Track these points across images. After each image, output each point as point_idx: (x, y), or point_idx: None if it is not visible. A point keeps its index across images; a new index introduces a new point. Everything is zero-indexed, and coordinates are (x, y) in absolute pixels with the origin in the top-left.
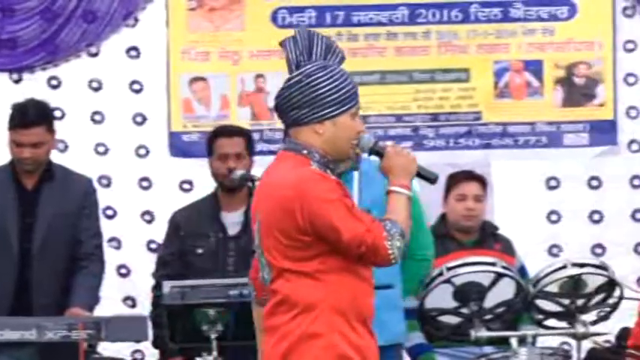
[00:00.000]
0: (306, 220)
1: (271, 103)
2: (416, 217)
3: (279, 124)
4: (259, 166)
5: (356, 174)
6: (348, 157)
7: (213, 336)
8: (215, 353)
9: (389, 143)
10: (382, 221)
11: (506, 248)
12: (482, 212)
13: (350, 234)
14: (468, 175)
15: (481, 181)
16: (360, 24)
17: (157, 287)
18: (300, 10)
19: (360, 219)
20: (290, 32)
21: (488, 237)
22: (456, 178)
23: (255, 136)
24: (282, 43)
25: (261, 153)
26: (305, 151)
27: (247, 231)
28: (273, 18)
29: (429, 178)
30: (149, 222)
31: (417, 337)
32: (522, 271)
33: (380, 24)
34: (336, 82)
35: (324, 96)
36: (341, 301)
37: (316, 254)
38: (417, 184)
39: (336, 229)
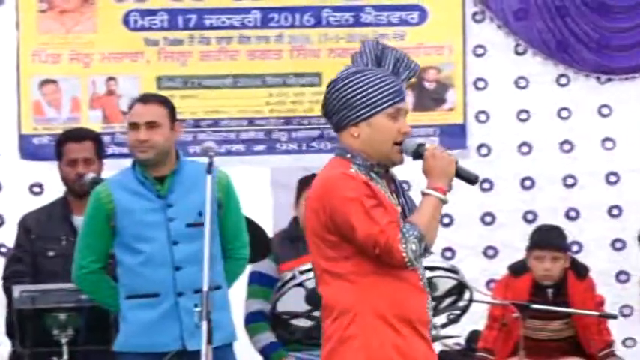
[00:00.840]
0: (328, 218)
1: (123, 106)
2: (236, 218)
3: None
4: (110, 170)
5: (209, 178)
6: (390, 159)
7: (63, 340)
8: (66, 357)
9: (429, 146)
10: (404, 223)
11: None
12: None
13: (364, 233)
14: (312, 179)
15: None
16: (212, 27)
17: (7, 287)
18: (152, 13)
19: (376, 220)
20: (141, 35)
21: None
22: (306, 182)
23: (107, 139)
24: (352, 56)
25: (113, 156)
26: (349, 155)
27: None
28: (125, 21)
29: (469, 179)
30: None
31: (266, 338)
32: None
33: (232, 27)
34: (370, 84)
35: (356, 98)
36: (379, 304)
37: (348, 255)
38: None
39: (352, 228)
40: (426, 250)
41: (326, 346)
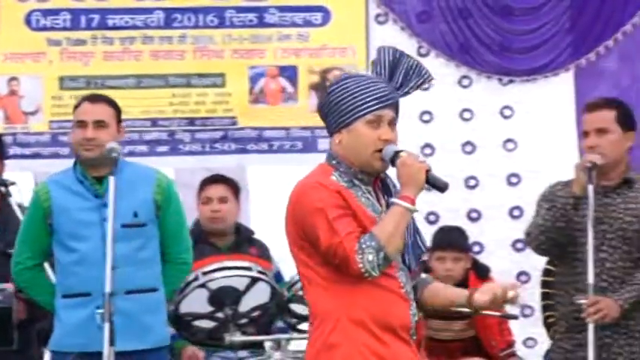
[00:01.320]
0: (300, 226)
1: (25, 107)
2: (176, 221)
3: (33, 128)
4: (12, 170)
5: (111, 179)
6: (371, 166)
7: None
8: None
9: (403, 153)
10: (363, 234)
11: (262, 253)
12: (228, 214)
13: (326, 243)
14: (214, 178)
15: (228, 183)
16: (115, 27)
17: None
18: (55, 12)
19: (338, 231)
20: (43, 35)
21: (243, 241)
22: (203, 183)
23: (9, 139)
24: (372, 62)
25: (15, 157)
26: (334, 161)
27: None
28: (27, 20)
29: (439, 186)
30: None
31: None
32: (278, 275)
33: (135, 28)
34: (352, 91)
35: (339, 104)
36: (357, 311)
37: (322, 262)
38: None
39: (317, 238)
40: (386, 260)
41: (311, 350)
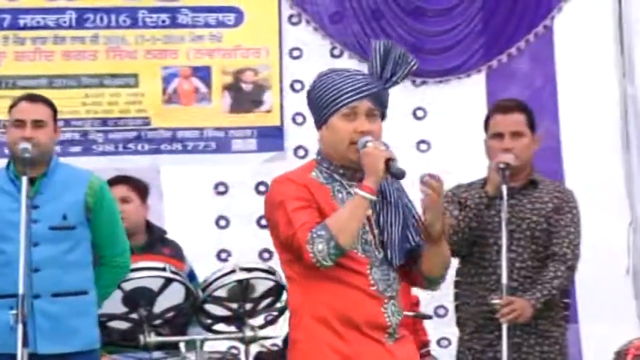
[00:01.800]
0: (268, 222)
1: None
2: (110, 224)
3: None
4: None
5: (24, 179)
6: (349, 159)
7: None
8: None
9: (370, 143)
10: (317, 224)
11: (176, 253)
12: (130, 214)
13: (283, 235)
14: (115, 179)
15: (130, 183)
16: (26, 27)
17: None
18: None
19: (293, 222)
20: None
21: (156, 242)
22: (110, 184)
23: None
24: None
25: None
26: (319, 157)
27: None
28: None
29: (397, 174)
30: None
31: None
32: (192, 276)
33: (47, 28)
34: (328, 86)
35: (317, 101)
36: (320, 307)
37: (292, 259)
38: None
39: (278, 231)
40: (338, 249)
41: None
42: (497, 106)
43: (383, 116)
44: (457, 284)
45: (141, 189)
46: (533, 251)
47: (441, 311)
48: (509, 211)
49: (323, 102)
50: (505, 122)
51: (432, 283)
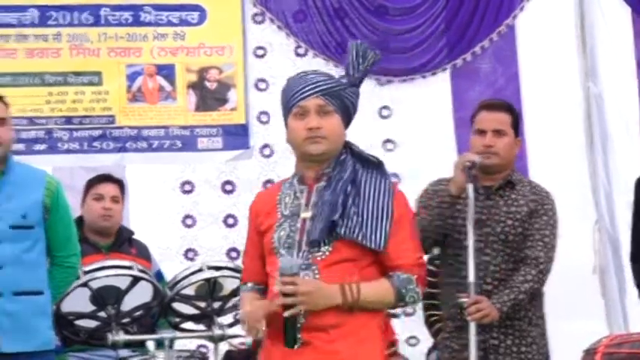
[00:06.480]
0: None
1: None
2: (65, 226)
3: None
4: None
5: None
6: (308, 152)
7: None
8: None
9: None
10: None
11: (142, 252)
12: (119, 214)
13: None
14: (105, 177)
15: (118, 183)
16: None
17: None
18: None
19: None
20: None
21: (124, 241)
22: (94, 181)
23: None
24: None
25: None
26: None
27: None
28: None
29: None
30: None
31: None
32: (159, 275)
33: (10, 25)
34: (284, 89)
35: (281, 105)
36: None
37: None
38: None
39: None
40: None
41: None
42: (484, 104)
43: (346, 111)
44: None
45: (123, 190)
46: (507, 254)
47: (409, 310)
48: (485, 212)
49: (282, 105)
50: (489, 119)
51: None
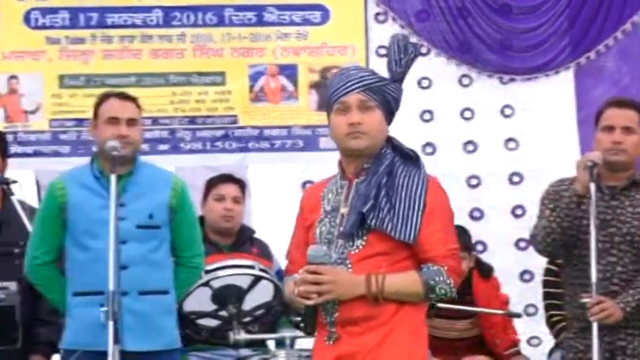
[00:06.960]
0: None
1: (26, 105)
2: (190, 226)
3: (34, 126)
4: (13, 169)
5: (113, 177)
6: (350, 147)
7: None
8: None
9: None
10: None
11: (263, 252)
12: (240, 214)
13: None
14: (227, 177)
15: (239, 183)
16: (114, 26)
17: None
18: (54, 11)
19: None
20: (42, 33)
21: (245, 240)
22: (215, 181)
23: (9, 137)
24: None
25: (16, 155)
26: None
27: (2, 232)
28: (26, 19)
29: None
30: None
31: None
32: (280, 273)
33: (134, 26)
34: (328, 87)
35: (324, 101)
36: None
37: None
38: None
39: None
40: None
41: None
42: (613, 101)
43: (388, 107)
44: (548, 283)
45: (245, 190)
46: (634, 255)
47: (531, 309)
48: (610, 212)
49: (325, 102)
50: (619, 116)
51: None
